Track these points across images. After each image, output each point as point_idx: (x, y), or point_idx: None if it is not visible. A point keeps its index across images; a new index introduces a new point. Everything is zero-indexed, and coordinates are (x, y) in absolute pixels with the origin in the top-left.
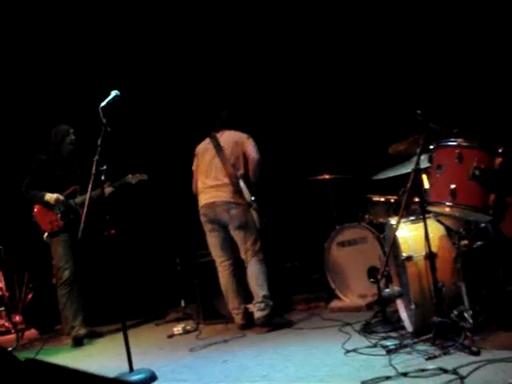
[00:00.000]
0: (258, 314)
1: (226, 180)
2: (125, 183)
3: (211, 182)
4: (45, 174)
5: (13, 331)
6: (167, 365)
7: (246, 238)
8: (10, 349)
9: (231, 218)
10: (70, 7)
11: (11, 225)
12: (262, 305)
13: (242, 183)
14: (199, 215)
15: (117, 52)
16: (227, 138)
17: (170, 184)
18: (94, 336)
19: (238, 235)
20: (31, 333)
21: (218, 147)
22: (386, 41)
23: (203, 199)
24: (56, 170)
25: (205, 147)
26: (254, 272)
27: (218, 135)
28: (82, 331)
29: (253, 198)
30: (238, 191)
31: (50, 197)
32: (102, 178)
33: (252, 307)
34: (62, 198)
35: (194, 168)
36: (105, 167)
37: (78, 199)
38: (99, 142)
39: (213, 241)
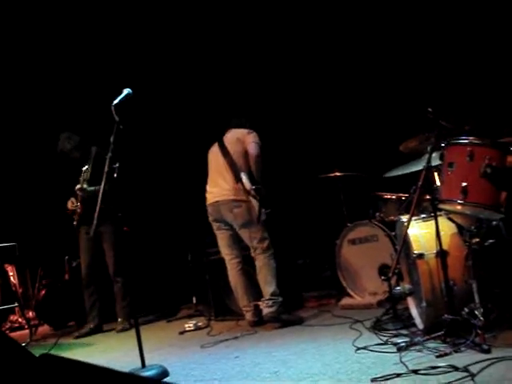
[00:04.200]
0: (265, 311)
1: (229, 177)
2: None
3: (216, 181)
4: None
5: (26, 327)
6: (179, 361)
7: (252, 236)
8: (23, 344)
9: (235, 216)
10: (83, 6)
11: (25, 222)
12: (270, 302)
13: (243, 175)
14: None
15: (129, 52)
16: (231, 136)
17: (181, 182)
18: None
19: (243, 234)
20: (44, 329)
21: (223, 147)
22: (397, 37)
23: (208, 199)
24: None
25: (213, 150)
26: (262, 269)
27: (225, 136)
28: (84, 330)
29: (253, 187)
30: (240, 186)
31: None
32: (115, 175)
33: (262, 304)
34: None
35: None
36: (118, 165)
37: (90, 189)
38: (112, 139)
39: (220, 239)
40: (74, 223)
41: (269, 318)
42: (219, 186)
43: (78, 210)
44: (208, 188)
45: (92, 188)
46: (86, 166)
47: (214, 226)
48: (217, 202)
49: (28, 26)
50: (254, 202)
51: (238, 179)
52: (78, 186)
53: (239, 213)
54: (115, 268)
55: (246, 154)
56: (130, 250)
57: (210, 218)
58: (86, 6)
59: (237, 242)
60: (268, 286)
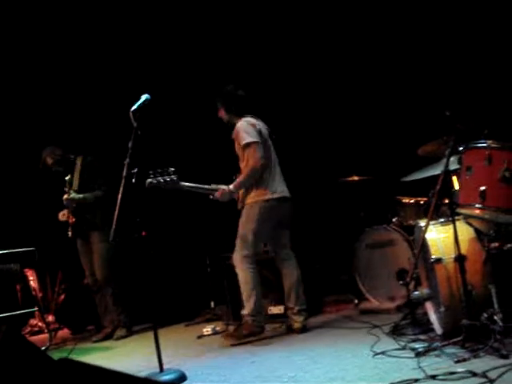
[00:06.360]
0: (304, 322)
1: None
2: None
3: (279, 174)
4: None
5: (45, 331)
6: (197, 365)
7: (288, 234)
8: (43, 348)
9: (290, 215)
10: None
11: (44, 226)
12: (304, 314)
13: None
14: (261, 206)
15: (145, 55)
16: (265, 131)
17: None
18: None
19: (286, 234)
20: (64, 333)
21: (273, 141)
22: (416, 41)
23: (274, 192)
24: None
25: (265, 132)
26: (297, 276)
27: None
28: (101, 334)
29: None
30: None
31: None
32: (133, 180)
33: (276, 310)
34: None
35: (257, 139)
36: (136, 170)
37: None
38: (130, 145)
39: (268, 235)
40: (69, 234)
41: (302, 330)
42: (282, 182)
43: (70, 221)
44: (272, 179)
45: (80, 195)
46: (69, 176)
47: (270, 224)
48: (284, 197)
49: (14, 37)
50: None
51: None
52: (65, 197)
53: (291, 210)
54: (103, 279)
55: None
56: (147, 254)
57: (270, 213)
58: (73, 16)
59: None
60: (303, 298)
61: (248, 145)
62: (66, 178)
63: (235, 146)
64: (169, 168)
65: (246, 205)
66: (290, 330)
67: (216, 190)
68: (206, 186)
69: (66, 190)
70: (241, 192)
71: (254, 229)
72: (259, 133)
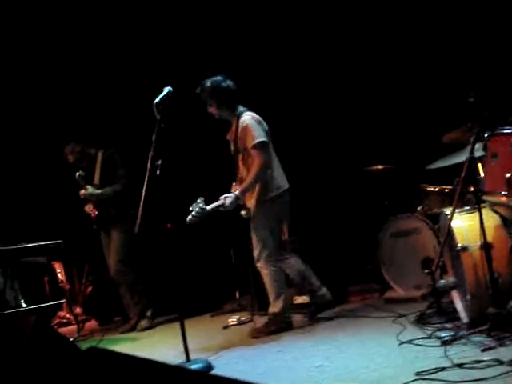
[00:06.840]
0: (328, 294)
1: None
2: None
3: (280, 167)
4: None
5: (74, 322)
6: (222, 355)
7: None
8: (71, 339)
9: (288, 205)
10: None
11: (71, 218)
12: (323, 285)
13: None
14: (272, 203)
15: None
16: None
17: (222, 177)
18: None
19: (283, 226)
20: (91, 324)
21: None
22: (439, 26)
23: (282, 186)
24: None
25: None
26: (301, 261)
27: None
28: (128, 326)
29: None
30: None
31: None
32: (158, 172)
33: (300, 299)
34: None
35: (266, 139)
36: (160, 162)
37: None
38: (154, 137)
39: (279, 233)
40: (94, 227)
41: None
42: (283, 174)
43: (93, 214)
44: (279, 172)
45: (99, 191)
46: (80, 172)
47: (280, 219)
48: (286, 190)
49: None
50: None
51: None
52: (82, 192)
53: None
54: (115, 270)
55: None
56: (173, 246)
57: (282, 207)
58: (94, 9)
59: None
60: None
61: (258, 144)
62: (77, 174)
63: (237, 142)
64: (198, 199)
65: (255, 207)
66: (320, 307)
67: (224, 203)
68: (217, 203)
69: (82, 184)
70: (247, 197)
71: (270, 226)
72: (265, 131)
